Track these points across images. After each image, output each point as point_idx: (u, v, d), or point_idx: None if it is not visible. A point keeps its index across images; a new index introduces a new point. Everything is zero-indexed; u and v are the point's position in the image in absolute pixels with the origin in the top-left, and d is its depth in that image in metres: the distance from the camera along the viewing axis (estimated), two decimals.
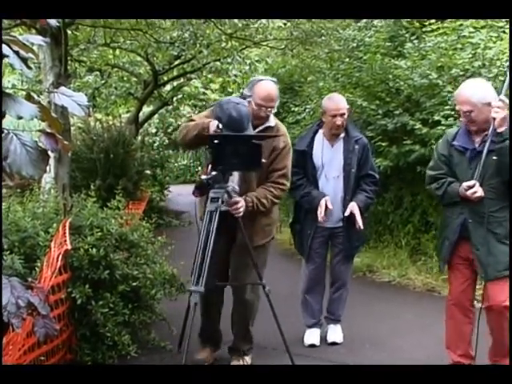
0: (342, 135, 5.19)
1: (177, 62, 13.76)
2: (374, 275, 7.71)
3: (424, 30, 8.73)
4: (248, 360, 4.74)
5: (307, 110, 10.11)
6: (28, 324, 3.05)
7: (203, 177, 4.10)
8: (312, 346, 5.24)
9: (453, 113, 7.10)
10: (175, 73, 14.78)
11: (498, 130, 3.97)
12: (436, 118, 7.23)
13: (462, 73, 7.40)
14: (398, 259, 7.81)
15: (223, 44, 10.66)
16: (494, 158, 4.02)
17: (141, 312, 4.86)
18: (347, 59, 9.35)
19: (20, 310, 2.20)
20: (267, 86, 4.46)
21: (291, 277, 6.63)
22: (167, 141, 18.61)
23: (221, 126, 4.08)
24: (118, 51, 13.44)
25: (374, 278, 7.63)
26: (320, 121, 5.32)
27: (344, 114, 5.10)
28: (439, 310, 6.30)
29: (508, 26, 7.80)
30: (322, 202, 5.02)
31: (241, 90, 4.68)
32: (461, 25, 7.87)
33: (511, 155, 3.97)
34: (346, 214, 5.06)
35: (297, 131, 9.17)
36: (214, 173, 4.03)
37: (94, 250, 4.56)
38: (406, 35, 9.16)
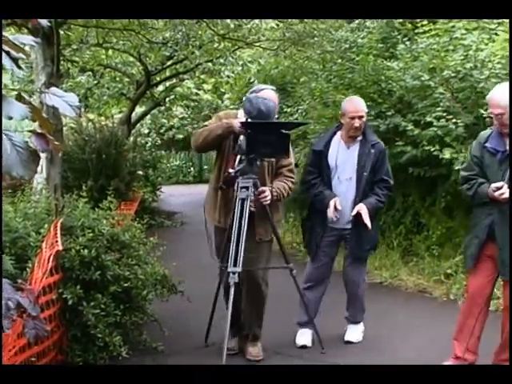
0: (360, 138, 5.26)
1: (169, 63, 13.75)
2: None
3: (416, 31, 8.74)
4: (260, 346, 4.97)
5: (299, 111, 10.12)
6: (18, 325, 3.04)
7: (230, 170, 4.58)
8: (303, 347, 5.25)
9: (445, 114, 7.13)
10: (168, 73, 14.77)
11: None
12: (428, 119, 7.24)
13: (453, 74, 7.41)
14: (389, 260, 7.83)
15: (216, 45, 10.65)
16: None
17: (132, 313, 4.85)
18: (340, 60, 9.35)
19: (10, 311, 2.19)
20: (268, 94, 4.75)
21: (281, 276, 6.63)
22: (159, 141, 18.60)
23: (249, 120, 4.52)
24: (110, 51, 13.42)
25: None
26: (339, 123, 5.39)
27: (362, 116, 5.17)
28: (431, 310, 6.36)
29: (500, 28, 7.85)
30: (331, 203, 5.09)
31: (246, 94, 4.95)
32: (453, 26, 7.88)
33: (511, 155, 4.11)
34: (353, 213, 5.12)
35: None
36: (241, 165, 4.52)
37: (86, 250, 4.55)
38: (399, 37, 9.17)
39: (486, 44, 7.63)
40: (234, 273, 4.43)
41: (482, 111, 6.90)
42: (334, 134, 5.35)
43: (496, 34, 7.80)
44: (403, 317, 5.89)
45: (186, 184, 23.57)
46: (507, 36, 7.63)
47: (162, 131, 24.87)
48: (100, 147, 10.22)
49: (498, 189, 4.16)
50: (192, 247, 10.02)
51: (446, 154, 7.02)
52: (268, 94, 4.76)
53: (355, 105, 5.25)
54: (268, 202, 4.66)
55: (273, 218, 4.83)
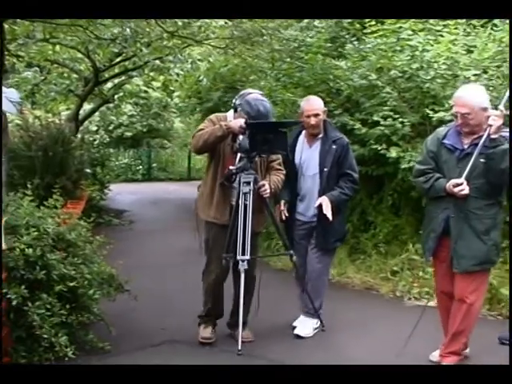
0: (321, 136, 5.49)
1: (118, 60, 13.59)
2: None
3: (364, 31, 8.81)
4: (249, 330, 5.32)
5: None
6: None
7: (231, 167, 4.95)
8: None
9: (391, 113, 7.22)
10: (116, 70, 14.59)
11: (492, 137, 4.27)
12: (375, 118, 7.34)
13: (400, 74, 7.52)
14: (337, 258, 7.86)
15: (165, 42, 10.56)
16: (482, 160, 4.34)
17: (78, 313, 4.78)
18: (288, 59, 9.40)
19: None
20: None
21: (230, 276, 6.63)
22: (108, 139, 18.40)
23: (249, 120, 4.89)
24: (58, 47, 13.18)
25: None
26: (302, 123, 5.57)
27: (318, 114, 5.40)
28: (378, 307, 6.45)
29: (445, 30, 7.97)
30: (281, 208, 5.44)
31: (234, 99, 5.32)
32: (400, 27, 7.97)
33: None
34: (315, 205, 5.34)
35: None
36: (242, 162, 4.93)
37: (30, 249, 4.48)
38: (347, 36, 9.25)
39: (432, 45, 7.74)
40: (243, 260, 4.82)
41: (428, 111, 7.03)
42: (300, 133, 5.60)
43: (441, 36, 7.93)
44: (351, 314, 5.94)
45: (135, 182, 23.43)
46: (452, 37, 7.78)
47: (110, 129, 24.65)
48: (47, 144, 10.02)
49: (458, 185, 4.35)
50: (140, 246, 9.98)
51: (393, 152, 7.13)
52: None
53: (310, 103, 5.49)
54: (268, 194, 5.07)
55: (265, 212, 5.22)
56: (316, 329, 5.55)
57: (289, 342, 5.32)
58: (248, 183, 4.90)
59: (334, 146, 5.41)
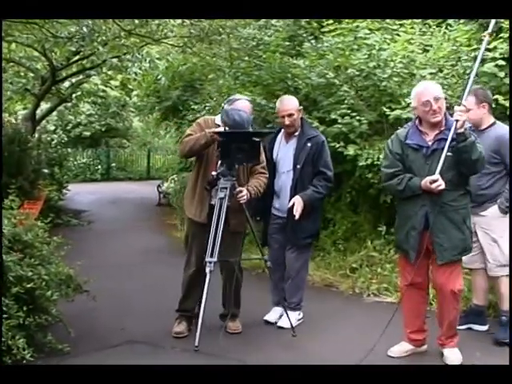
0: (297, 133, 5.65)
1: (75, 58, 13.45)
2: None
3: (322, 30, 8.86)
4: (238, 322, 5.55)
5: (207, 108, 10.11)
6: None
7: (213, 172, 5.11)
8: (267, 322, 5.70)
9: (349, 111, 7.28)
10: (74, 69, 14.44)
11: (459, 131, 4.43)
12: (333, 116, 7.39)
13: (357, 73, 7.58)
14: None
15: (122, 41, 10.47)
16: (449, 154, 4.49)
17: (36, 314, 4.70)
18: (247, 58, 9.39)
19: None
20: (242, 104, 5.33)
21: None
22: (66, 138, 18.18)
23: (227, 129, 5.10)
24: (13, 45, 13.00)
25: None
26: None
27: (292, 114, 5.54)
28: (338, 304, 6.50)
29: (402, 29, 8.07)
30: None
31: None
32: (357, 26, 8.02)
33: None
34: (289, 205, 5.48)
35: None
36: (221, 168, 5.07)
37: None
38: (305, 35, 9.27)
39: (389, 44, 7.83)
40: (210, 262, 4.92)
41: (385, 109, 7.10)
42: (279, 131, 5.80)
43: (398, 35, 8.02)
44: (311, 311, 5.96)
45: (94, 182, 23.25)
46: (408, 36, 7.87)
47: (68, 128, 24.41)
48: (2, 144, 9.90)
49: (434, 181, 4.49)
50: (99, 246, 9.91)
51: (351, 150, 7.19)
52: (242, 104, 5.31)
53: (283, 103, 5.66)
54: (245, 200, 5.18)
55: (245, 213, 5.25)
56: (300, 319, 5.75)
57: (250, 340, 5.33)
58: (225, 189, 5.04)
59: (308, 144, 5.54)
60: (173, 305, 5.45)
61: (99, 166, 25.18)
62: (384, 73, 7.34)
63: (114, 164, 25.85)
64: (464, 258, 5.02)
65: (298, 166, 5.52)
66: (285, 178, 5.63)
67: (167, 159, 25.02)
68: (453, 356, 4.78)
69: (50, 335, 4.81)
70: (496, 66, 6.45)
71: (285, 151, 5.66)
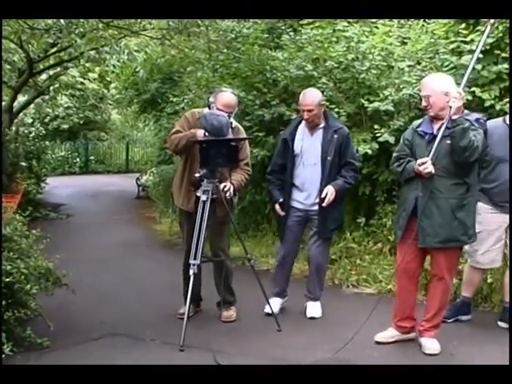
0: (322, 125, 5.64)
1: (53, 50, 13.32)
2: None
3: (300, 22, 8.88)
4: (234, 309, 5.71)
5: (186, 101, 10.08)
6: None
7: (197, 175, 5.21)
8: (268, 314, 5.61)
9: (328, 103, 7.29)
10: (52, 61, 14.30)
11: (453, 118, 4.55)
12: None
13: (336, 65, 7.61)
14: (276, 247, 7.93)
15: (100, 33, 10.39)
16: (448, 142, 4.61)
17: (15, 308, 4.68)
18: (225, 50, 9.37)
19: None
20: (227, 96, 5.47)
21: (170, 268, 6.63)
22: (44, 131, 18.04)
23: (207, 133, 5.20)
24: None
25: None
26: None
27: (311, 110, 5.51)
28: None
29: (380, 22, 8.10)
30: (276, 206, 5.71)
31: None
32: (335, 19, 8.05)
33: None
34: (323, 195, 5.50)
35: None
36: (204, 171, 5.17)
37: None
38: (283, 27, 9.30)
39: (367, 36, 7.87)
40: (193, 265, 5.05)
41: (364, 101, 7.14)
42: (300, 122, 5.74)
43: (376, 28, 8.06)
44: (291, 303, 5.97)
45: (72, 175, 23.13)
46: (386, 29, 7.91)
47: (46, 121, 24.21)
48: None
49: (423, 163, 4.59)
50: (78, 239, 9.87)
51: None
52: (227, 95, 5.44)
53: (304, 98, 5.61)
54: (231, 194, 5.38)
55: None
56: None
57: (232, 336, 5.33)
58: (207, 192, 5.17)
59: (335, 136, 5.57)
60: (152, 297, 5.45)
61: (78, 159, 25.04)
62: (362, 65, 7.38)
63: (92, 157, 25.70)
64: (486, 259, 5.28)
65: (329, 158, 5.53)
66: (310, 171, 5.62)
67: (146, 152, 24.91)
68: (431, 345, 4.85)
69: (29, 329, 4.79)
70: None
71: (310, 143, 5.64)
